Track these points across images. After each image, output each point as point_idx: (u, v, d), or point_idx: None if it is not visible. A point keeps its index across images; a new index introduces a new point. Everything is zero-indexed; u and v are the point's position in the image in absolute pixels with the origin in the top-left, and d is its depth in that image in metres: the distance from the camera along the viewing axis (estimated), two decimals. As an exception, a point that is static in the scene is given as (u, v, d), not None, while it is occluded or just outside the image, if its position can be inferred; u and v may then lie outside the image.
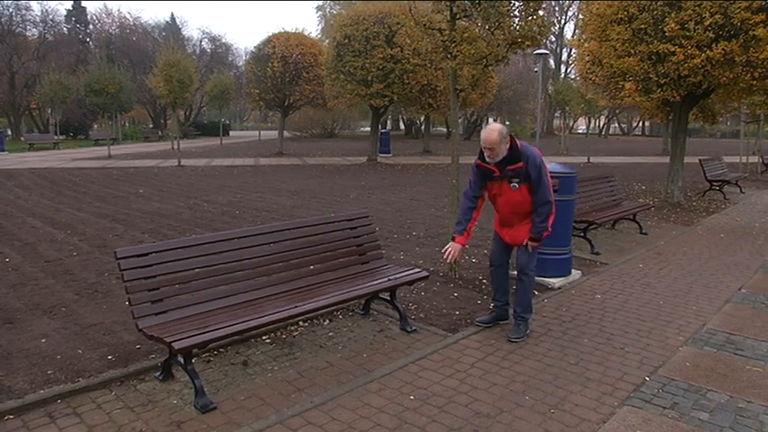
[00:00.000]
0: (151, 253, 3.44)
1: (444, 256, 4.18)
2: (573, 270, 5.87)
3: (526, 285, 4.20)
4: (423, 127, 33.47)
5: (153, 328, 3.22)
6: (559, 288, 5.48)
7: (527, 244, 4.17)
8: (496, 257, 4.42)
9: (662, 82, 9.61)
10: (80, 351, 3.90)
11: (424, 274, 4.52)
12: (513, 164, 3.98)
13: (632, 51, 9.70)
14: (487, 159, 4.04)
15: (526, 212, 4.15)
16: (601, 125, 53.60)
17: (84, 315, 4.63)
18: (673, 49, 9.06)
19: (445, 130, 45.21)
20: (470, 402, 3.24)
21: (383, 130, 27.20)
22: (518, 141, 4.02)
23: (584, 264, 6.45)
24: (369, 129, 25.19)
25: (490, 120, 30.12)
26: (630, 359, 3.85)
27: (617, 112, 47.82)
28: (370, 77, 18.21)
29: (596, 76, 11.20)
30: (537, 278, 5.38)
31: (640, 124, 63.43)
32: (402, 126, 53.06)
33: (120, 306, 4.80)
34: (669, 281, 5.78)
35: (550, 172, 5.45)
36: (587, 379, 3.55)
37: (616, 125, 63.73)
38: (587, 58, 11.28)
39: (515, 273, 4.33)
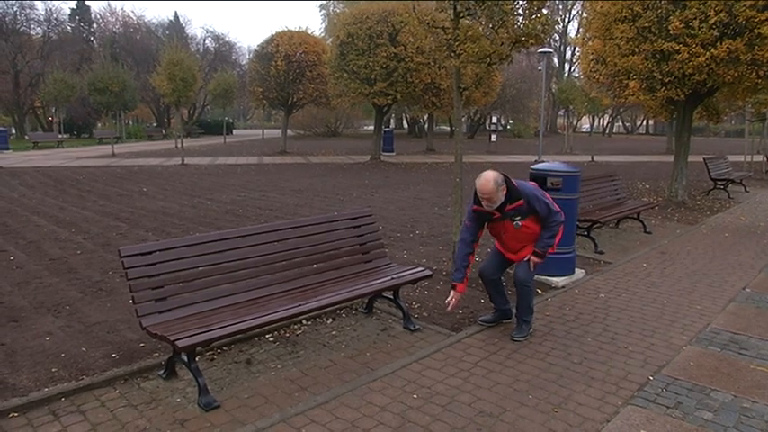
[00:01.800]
0: (155, 251, 3.45)
1: (448, 309, 4.16)
2: (576, 269, 5.86)
3: (526, 294, 4.14)
4: (426, 126, 33.44)
5: (157, 326, 3.23)
6: (563, 287, 5.47)
7: (529, 259, 4.12)
8: (491, 272, 4.29)
9: (666, 80, 9.58)
10: (84, 349, 3.91)
11: (428, 272, 4.52)
12: (513, 203, 3.93)
13: (636, 50, 9.67)
14: (486, 207, 3.93)
15: (533, 239, 4.11)
16: (605, 124, 53.55)
17: (88, 313, 4.65)
18: (677, 48, 9.02)
19: (448, 128, 45.14)
20: (474, 401, 3.24)
21: (386, 129, 27.19)
22: (513, 181, 3.95)
23: (587, 263, 6.44)
24: (372, 127, 25.20)
25: (493, 118, 29.97)
26: (634, 358, 3.84)
27: (621, 110, 47.77)
28: (373, 76, 18.19)
29: (600, 74, 11.17)
30: (541, 277, 5.40)
31: (644, 123, 63.32)
32: (405, 125, 53.03)
33: (123, 304, 4.81)
34: (673, 280, 5.76)
35: (554, 171, 5.49)
36: (591, 378, 3.54)
37: (620, 124, 63.70)
38: (591, 57, 11.26)
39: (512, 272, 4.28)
